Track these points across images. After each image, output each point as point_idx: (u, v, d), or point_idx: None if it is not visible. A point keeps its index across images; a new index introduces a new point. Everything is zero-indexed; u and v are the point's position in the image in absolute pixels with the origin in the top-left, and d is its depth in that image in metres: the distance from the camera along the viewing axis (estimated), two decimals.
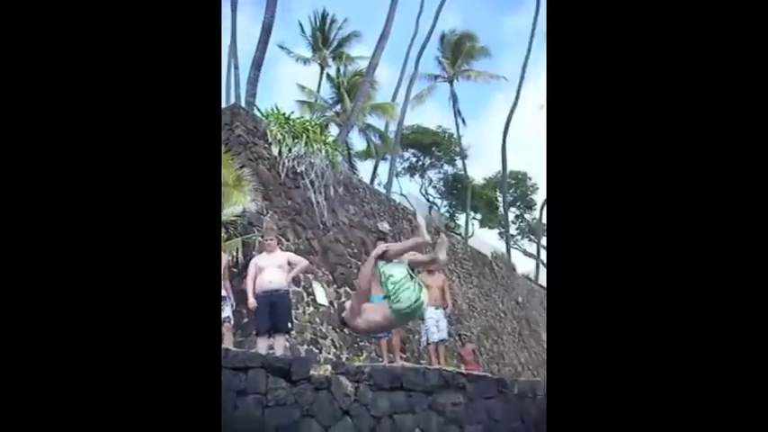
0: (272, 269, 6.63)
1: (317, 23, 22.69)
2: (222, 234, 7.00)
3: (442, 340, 8.13)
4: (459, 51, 24.95)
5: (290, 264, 6.87)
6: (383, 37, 15.65)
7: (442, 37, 24.76)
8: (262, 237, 9.50)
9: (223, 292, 6.49)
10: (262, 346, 6.35)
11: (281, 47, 22.87)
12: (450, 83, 25.20)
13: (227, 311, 6.38)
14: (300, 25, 23.63)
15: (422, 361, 10.18)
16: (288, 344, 7.06)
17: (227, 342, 6.13)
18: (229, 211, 9.09)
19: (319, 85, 22.74)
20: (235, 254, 8.88)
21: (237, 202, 9.25)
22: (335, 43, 22.78)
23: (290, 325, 6.73)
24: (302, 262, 7.18)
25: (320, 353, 9.63)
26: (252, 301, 6.49)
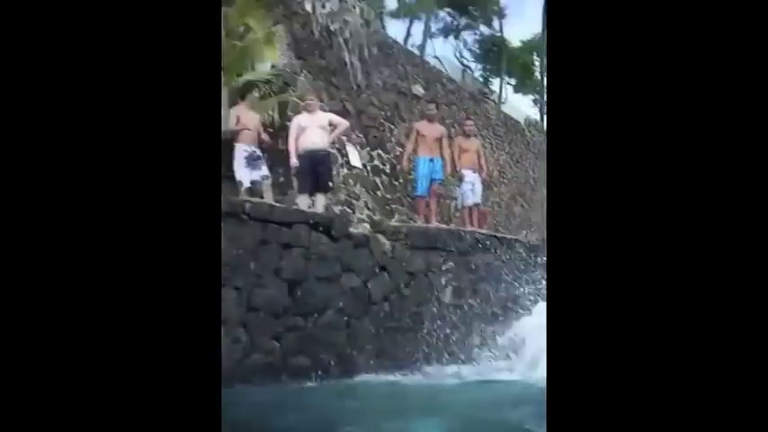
0: (314, 129, 6.67)
1: None
2: (256, 93, 6.95)
3: (476, 204, 8.28)
4: None
5: (331, 124, 6.89)
6: None
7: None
8: (298, 97, 9.48)
9: (258, 151, 6.59)
10: (302, 203, 6.55)
11: None
12: None
13: (264, 170, 6.50)
14: None
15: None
16: (327, 202, 7.25)
17: (268, 197, 6.32)
18: (263, 70, 8.97)
19: None
20: (270, 113, 8.89)
21: (268, 59, 9.07)
22: None
23: (330, 184, 6.89)
24: (343, 123, 7.20)
25: (353, 213, 9.90)
26: (294, 161, 6.60)
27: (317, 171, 6.67)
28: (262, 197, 6.30)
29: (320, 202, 6.71)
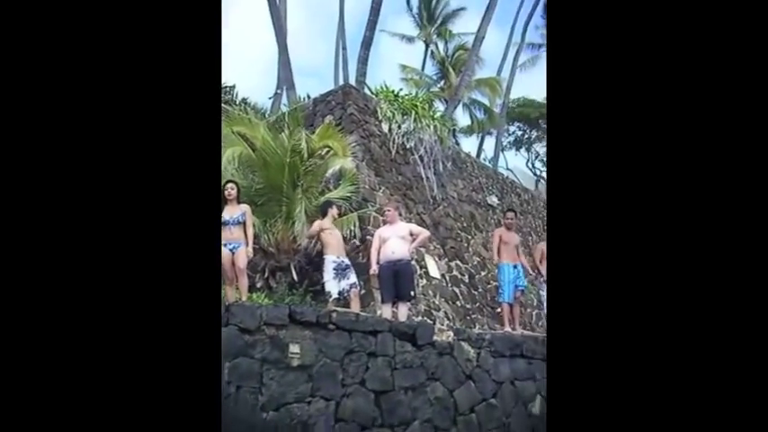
0: (395, 240, 6.88)
1: (423, 1, 22.68)
2: (335, 210, 7.32)
3: None
4: None
5: (411, 234, 7.09)
6: (490, 7, 15.46)
7: (546, 2, 23.97)
8: (376, 211, 9.87)
9: (347, 261, 6.83)
10: (386, 313, 6.64)
11: (384, 30, 23.09)
12: None
13: (352, 278, 6.69)
14: (408, 2, 23.69)
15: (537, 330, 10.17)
16: (409, 312, 7.32)
17: (355, 307, 6.45)
18: (343, 190, 9.48)
19: (424, 61, 22.80)
20: (352, 228, 9.27)
21: (339, 165, 9.57)
22: (440, 19, 22.68)
23: (412, 293, 6.97)
24: (424, 232, 7.40)
25: (434, 324, 9.87)
26: (374, 268, 6.78)
27: (398, 281, 6.79)
28: (349, 306, 6.44)
29: (403, 311, 6.79)
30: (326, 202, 7.52)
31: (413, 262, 9.69)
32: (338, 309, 5.90)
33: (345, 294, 6.55)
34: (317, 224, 6.99)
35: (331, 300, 6.51)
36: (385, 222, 7.35)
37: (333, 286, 6.54)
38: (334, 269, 6.61)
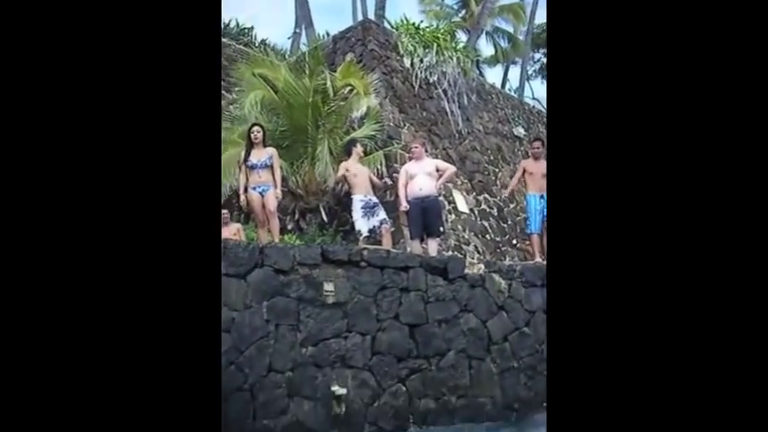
0: (422, 176, 6.87)
1: None
2: (360, 149, 7.26)
3: None
4: None
5: (438, 170, 7.07)
6: None
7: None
8: (402, 148, 9.82)
9: (375, 199, 6.83)
10: (415, 250, 6.71)
11: None
12: None
13: (381, 215, 6.70)
14: None
15: None
16: (439, 247, 7.38)
17: (387, 244, 6.52)
18: (367, 129, 9.41)
19: None
20: (378, 166, 9.26)
21: (364, 105, 9.48)
22: None
23: (441, 229, 7.01)
24: (450, 168, 7.37)
25: (465, 258, 9.95)
26: (404, 205, 6.81)
27: (426, 217, 6.82)
28: (380, 243, 6.51)
29: (432, 246, 6.84)
30: (350, 141, 7.49)
31: (440, 198, 9.73)
32: (369, 246, 5.97)
33: (376, 231, 6.61)
34: (342, 165, 7.00)
35: (362, 238, 6.58)
36: (411, 159, 7.32)
37: (363, 225, 6.60)
38: (363, 208, 6.65)
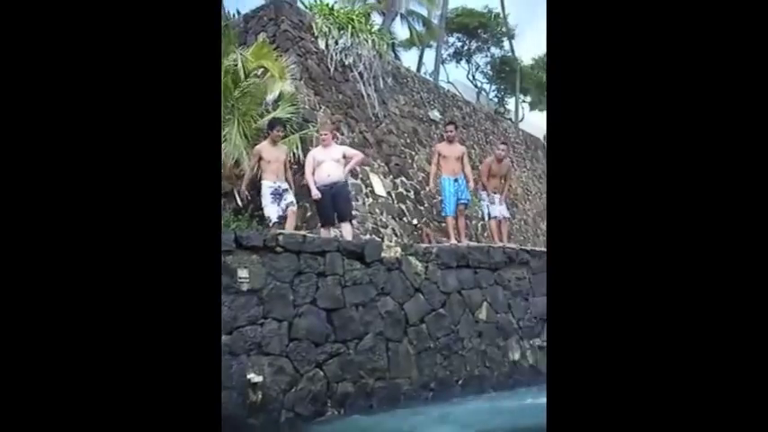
0: (329, 163, 6.85)
1: None
2: (278, 132, 7.12)
3: (504, 217, 8.37)
4: None
5: (345, 157, 7.07)
6: None
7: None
8: (318, 131, 9.71)
9: (285, 185, 6.74)
10: (326, 235, 6.68)
11: None
12: None
13: (289, 198, 6.63)
14: None
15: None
16: (355, 231, 7.38)
17: (290, 226, 6.44)
18: (283, 112, 9.24)
19: None
20: (294, 150, 9.12)
21: (278, 89, 9.33)
22: None
23: (353, 213, 7.01)
24: (357, 155, 7.38)
25: (382, 241, 10.01)
26: (315, 192, 6.75)
27: (336, 203, 6.82)
28: (284, 226, 6.43)
29: (347, 230, 6.84)
30: (270, 121, 7.29)
31: (355, 182, 9.71)
32: (285, 232, 5.87)
33: (283, 215, 6.52)
34: (256, 150, 6.85)
35: (272, 225, 6.47)
36: (319, 145, 7.26)
37: (272, 211, 6.51)
38: (272, 194, 6.56)
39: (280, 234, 5.60)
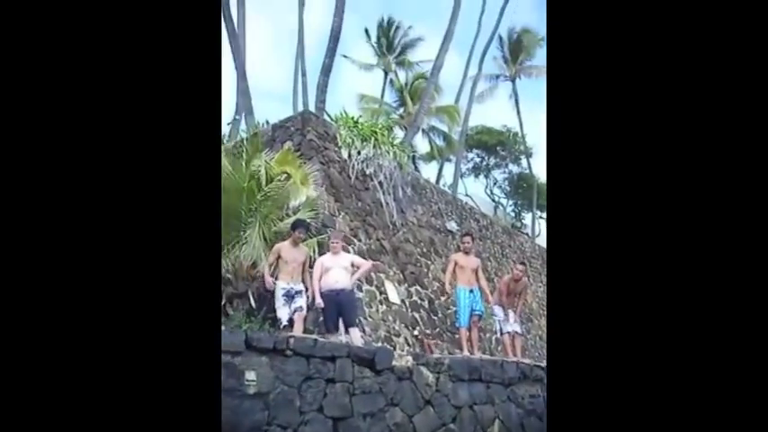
0: (337, 270, 6.94)
1: (383, 30, 23.05)
2: (299, 234, 7.25)
3: (516, 333, 8.26)
4: (519, 49, 24.79)
5: (353, 265, 7.15)
6: (447, 38, 15.79)
7: (500, 37, 24.61)
8: (328, 239, 9.86)
9: (300, 287, 6.76)
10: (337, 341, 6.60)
11: (345, 56, 23.35)
12: (513, 81, 25.08)
13: (300, 301, 6.63)
14: (367, 32, 24.02)
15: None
16: (363, 339, 7.30)
17: (298, 330, 6.39)
18: (303, 215, 9.45)
19: (383, 89, 23.10)
20: (312, 254, 9.24)
21: (303, 195, 9.54)
22: (399, 49, 23.07)
23: (358, 321, 6.99)
24: (366, 264, 7.48)
25: (395, 350, 9.84)
26: (319, 300, 6.77)
27: (342, 310, 6.85)
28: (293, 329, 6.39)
29: (356, 335, 6.77)
30: (294, 222, 7.39)
31: (369, 289, 9.72)
32: (296, 335, 5.83)
33: (291, 318, 6.51)
34: (275, 249, 6.96)
35: (282, 327, 6.45)
36: (328, 252, 7.36)
37: (283, 313, 6.53)
38: (284, 295, 6.60)
39: (291, 337, 5.55)
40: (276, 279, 6.85)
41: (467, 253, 8.00)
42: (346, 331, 6.82)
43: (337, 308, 6.83)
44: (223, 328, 7.17)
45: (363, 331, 9.24)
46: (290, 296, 6.62)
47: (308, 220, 9.51)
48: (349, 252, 9.43)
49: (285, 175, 9.70)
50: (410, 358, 6.42)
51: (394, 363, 6.14)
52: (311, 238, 9.42)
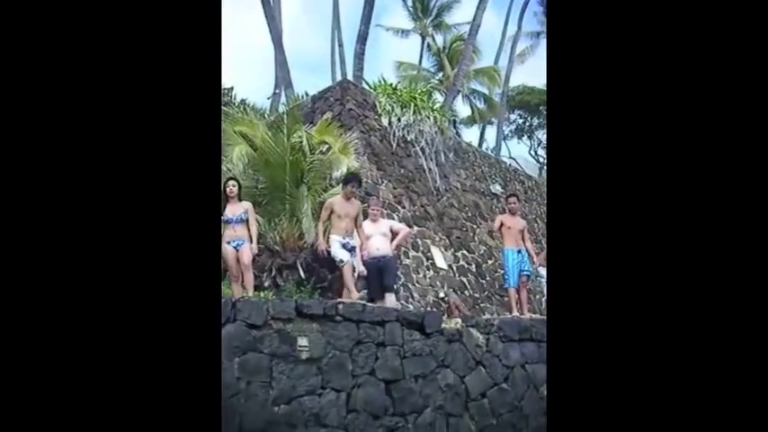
0: (377, 237, 6.97)
1: None
2: (350, 188, 7.12)
3: None
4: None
5: (392, 231, 7.15)
6: None
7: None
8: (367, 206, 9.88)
9: (354, 242, 6.68)
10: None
11: (379, 25, 23.08)
12: None
13: (346, 256, 6.49)
14: None
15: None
16: (397, 301, 7.36)
17: (347, 280, 6.38)
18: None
19: (421, 54, 22.79)
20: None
21: (344, 165, 9.54)
22: (435, 11, 22.65)
23: (394, 287, 7.06)
24: (405, 229, 7.52)
25: (443, 312, 9.87)
26: (362, 269, 6.81)
27: (382, 276, 6.88)
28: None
29: (390, 301, 6.76)
30: (346, 176, 7.21)
31: (416, 255, 9.74)
32: (345, 300, 5.90)
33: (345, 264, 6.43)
34: (327, 204, 6.80)
35: (342, 265, 6.40)
36: (368, 219, 7.34)
37: (343, 255, 6.42)
38: (342, 247, 6.48)
39: (340, 303, 5.63)
40: (329, 234, 6.70)
41: (513, 214, 7.91)
42: (382, 296, 6.82)
43: (380, 275, 6.86)
44: (273, 297, 7.30)
45: (412, 297, 9.29)
46: (347, 249, 6.53)
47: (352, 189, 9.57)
48: (393, 219, 9.45)
49: (326, 146, 9.74)
50: (459, 320, 6.43)
51: (443, 325, 6.17)
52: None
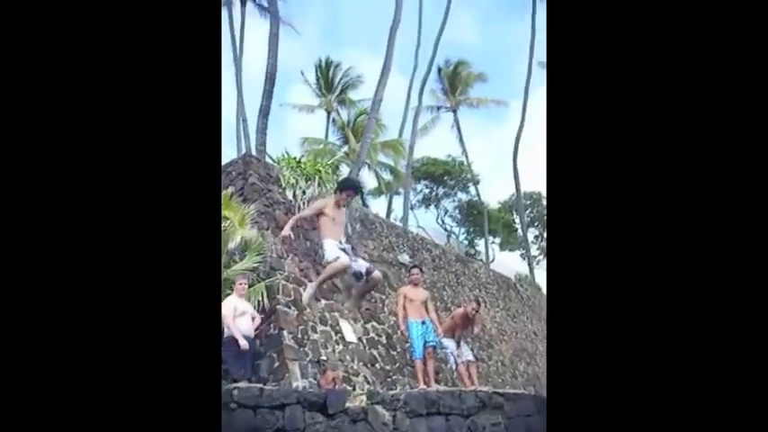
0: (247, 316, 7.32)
1: (321, 71, 23.24)
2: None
3: (469, 360, 8.22)
4: (457, 80, 25.33)
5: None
6: (384, 72, 15.97)
7: (439, 69, 25.08)
8: (285, 278, 9.68)
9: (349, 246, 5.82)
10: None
11: (284, 104, 23.45)
12: (454, 112, 25.51)
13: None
14: (302, 74, 24.20)
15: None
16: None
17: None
18: (249, 261, 9.29)
19: (327, 129, 23.18)
20: (260, 298, 9.02)
21: (240, 236, 9.43)
22: (339, 88, 23.26)
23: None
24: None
25: (354, 390, 9.61)
26: (244, 343, 7.03)
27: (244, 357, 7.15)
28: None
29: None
30: (344, 181, 6.62)
31: (324, 329, 9.54)
32: (240, 385, 5.59)
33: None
34: (317, 204, 6.06)
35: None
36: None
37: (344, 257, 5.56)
38: (339, 249, 5.55)
39: (235, 388, 5.32)
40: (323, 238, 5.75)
41: (415, 285, 7.93)
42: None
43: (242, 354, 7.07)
44: None
45: (322, 373, 8.99)
46: (344, 251, 5.61)
47: (255, 265, 9.31)
48: (300, 293, 9.31)
49: (227, 221, 9.52)
50: (364, 398, 6.22)
51: (347, 404, 5.94)
52: (259, 282, 9.21)
